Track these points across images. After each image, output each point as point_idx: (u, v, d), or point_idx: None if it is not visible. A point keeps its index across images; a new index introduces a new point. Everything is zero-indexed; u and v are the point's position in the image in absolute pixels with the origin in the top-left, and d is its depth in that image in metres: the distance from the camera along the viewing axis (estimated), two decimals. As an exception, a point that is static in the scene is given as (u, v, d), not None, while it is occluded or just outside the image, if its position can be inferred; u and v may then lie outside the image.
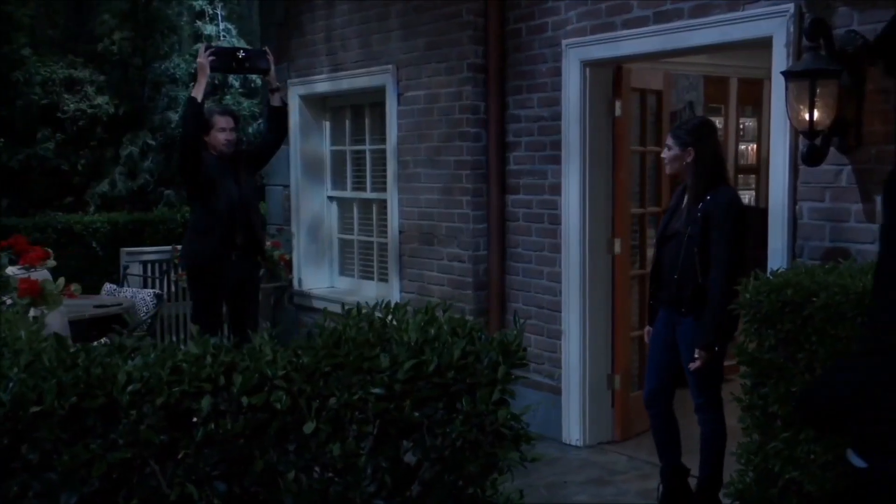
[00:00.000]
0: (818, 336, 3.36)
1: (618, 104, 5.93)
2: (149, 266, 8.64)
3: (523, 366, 2.69)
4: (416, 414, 2.45)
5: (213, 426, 2.22)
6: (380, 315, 2.66)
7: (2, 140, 11.01)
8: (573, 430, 6.02)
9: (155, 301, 6.75)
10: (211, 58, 5.77)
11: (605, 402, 6.05)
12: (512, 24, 6.25)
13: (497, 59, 6.28)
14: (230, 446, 2.25)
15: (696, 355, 4.41)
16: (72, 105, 11.82)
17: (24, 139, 10.87)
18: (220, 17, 12.70)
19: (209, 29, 12.77)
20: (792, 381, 3.45)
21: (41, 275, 5.23)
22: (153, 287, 7.78)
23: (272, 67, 6.03)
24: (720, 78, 8.85)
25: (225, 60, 5.86)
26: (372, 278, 7.82)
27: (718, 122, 9.52)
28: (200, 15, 12.81)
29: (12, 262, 7.50)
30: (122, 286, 7.48)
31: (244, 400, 2.24)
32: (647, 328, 4.92)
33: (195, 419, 2.23)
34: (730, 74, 8.73)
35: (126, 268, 8.32)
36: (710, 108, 9.47)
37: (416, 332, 2.51)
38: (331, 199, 8.21)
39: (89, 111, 11.85)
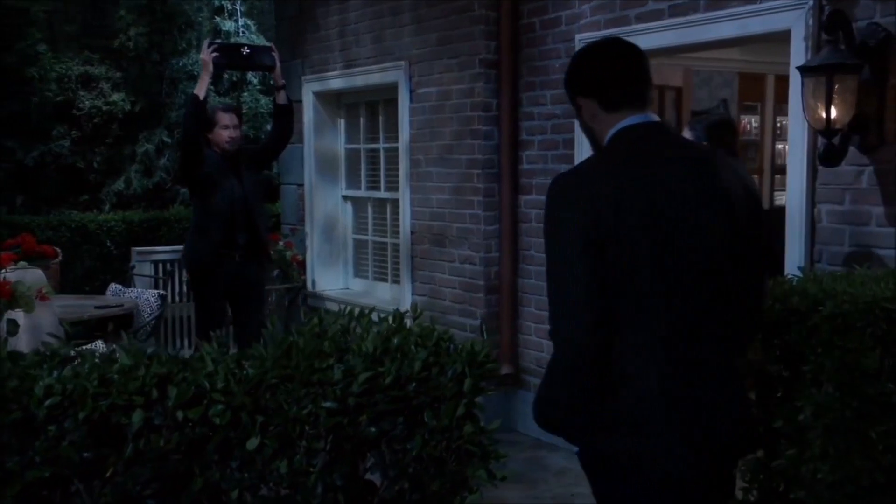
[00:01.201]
0: (824, 348, 3.13)
1: (633, 101, 5.71)
2: (160, 266, 8.52)
3: (493, 378, 2.50)
4: (373, 429, 2.27)
5: (144, 442, 2.06)
6: (342, 323, 2.49)
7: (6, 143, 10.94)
8: (584, 439, 5.80)
9: (159, 302, 6.62)
10: (214, 54, 5.62)
11: (618, 410, 5.82)
12: (525, 18, 6.05)
13: (510, 54, 6.08)
14: (164, 463, 2.08)
15: None
16: (87, 102, 11.75)
17: (39, 136, 10.81)
18: (238, 13, 12.60)
19: (227, 25, 12.67)
20: (798, 396, 3.23)
21: (34, 275, 5.10)
22: (162, 287, 7.65)
23: (277, 64, 5.87)
24: (756, 74, 8.58)
25: (229, 57, 5.71)
26: (386, 280, 7.65)
27: (754, 120, 9.26)
28: (219, 10, 12.71)
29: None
30: (130, 286, 7.36)
31: (179, 414, 2.08)
32: None
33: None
34: (766, 71, 8.45)
35: (132, 267, 8.20)
36: (745, 106, 9.24)
37: (375, 342, 2.33)
38: (345, 198, 8.04)
39: (105, 108, 11.77)
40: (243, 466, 2.16)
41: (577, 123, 5.65)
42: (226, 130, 5.81)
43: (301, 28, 8.02)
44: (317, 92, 7.86)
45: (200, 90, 5.60)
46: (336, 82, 7.61)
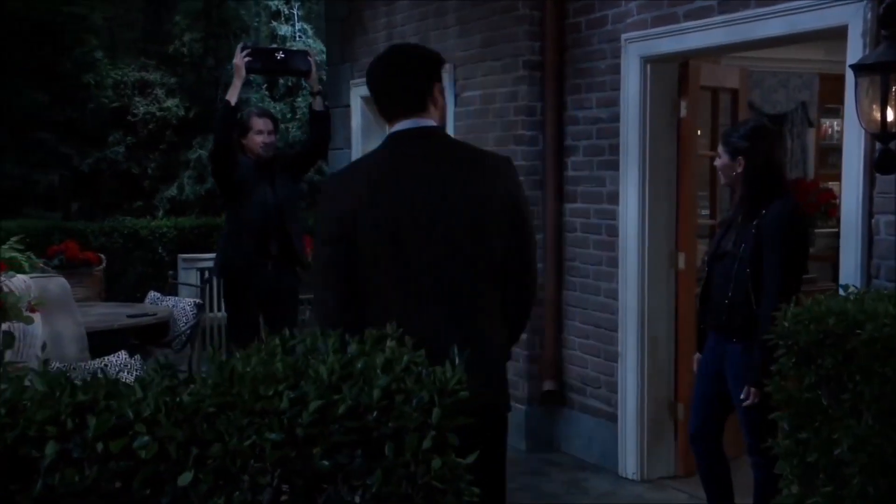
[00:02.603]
0: (863, 375, 2.82)
1: (683, 104, 5.40)
2: (205, 273, 8.40)
3: (468, 407, 2.24)
4: (326, 462, 2.04)
5: (59, 477, 1.85)
6: (308, 343, 2.26)
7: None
8: (629, 462, 5.49)
9: (195, 311, 6.48)
10: (247, 59, 5.45)
11: (666, 432, 5.50)
12: (571, 17, 5.77)
13: (554, 55, 5.81)
14: (82, 501, 1.87)
15: (743, 395, 3.89)
16: (142, 108, 11.74)
17: (95, 142, 10.84)
18: (296, 17, 12.48)
19: (284, 29, 12.56)
20: (835, 427, 2.91)
21: (57, 283, 4.98)
22: (201, 296, 7.52)
23: (313, 69, 5.66)
24: (838, 76, 8.15)
25: (263, 61, 5.52)
26: (433, 290, 7.41)
27: (836, 123, 8.82)
28: (276, 15, 12.61)
29: (63, 267, 7.39)
30: (168, 294, 7.25)
31: (99, 446, 1.87)
32: (697, 355, 4.39)
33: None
34: (850, 72, 8.05)
35: (171, 274, 8.10)
36: (826, 109, 8.84)
37: (333, 367, 2.10)
38: (394, 205, 7.83)
39: (159, 114, 11.75)
40: (175, 503, 1.95)
41: (620, 128, 5.39)
42: (260, 136, 5.63)
43: (349, 31, 7.85)
44: (364, 96, 7.67)
45: (232, 96, 5.44)
46: (383, 86, 7.40)
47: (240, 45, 5.52)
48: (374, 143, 7.65)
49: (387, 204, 2.68)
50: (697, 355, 4.37)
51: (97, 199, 11.35)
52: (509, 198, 2.79)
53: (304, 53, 5.71)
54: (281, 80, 12.27)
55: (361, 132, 7.75)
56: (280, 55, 5.55)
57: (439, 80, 2.88)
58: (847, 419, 2.90)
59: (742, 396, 3.89)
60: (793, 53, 7.40)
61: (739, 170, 4.06)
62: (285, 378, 2.08)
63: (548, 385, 5.95)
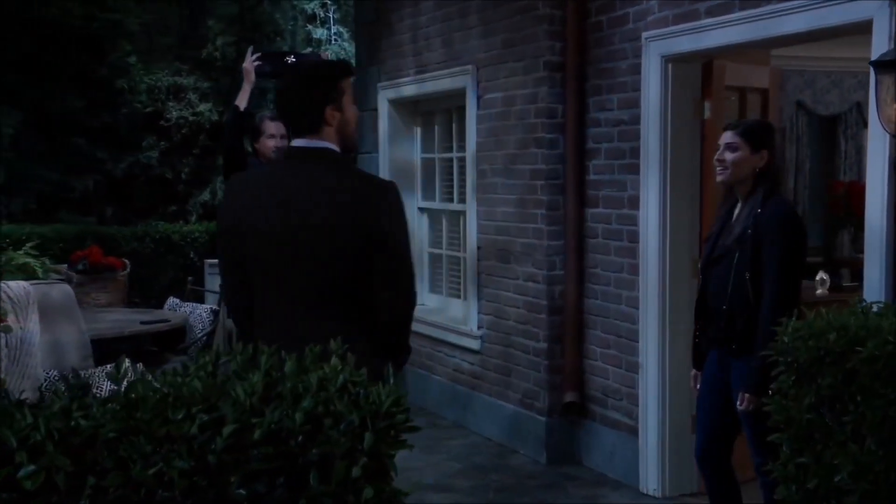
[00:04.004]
0: (864, 396, 2.59)
1: (707, 105, 5.17)
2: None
3: (410, 431, 2.07)
4: (242, 492, 1.88)
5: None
6: (241, 360, 2.12)
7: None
8: (650, 477, 5.27)
9: (212, 317, 6.38)
10: (257, 63, 5.34)
11: (688, 447, 5.24)
12: (593, 16, 5.57)
13: (575, 55, 5.61)
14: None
15: (738, 400, 3.66)
16: (175, 112, 11.72)
17: (128, 147, 10.84)
18: (331, 21, 12.36)
19: (319, 33, 12.44)
20: (837, 451, 2.69)
21: (60, 290, 4.91)
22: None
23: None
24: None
25: (273, 65, 5.39)
26: (459, 296, 7.24)
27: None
28: (312, 18, 12.51)
29: (86, 272, 7.36)
30: (188, 299, 7.17)
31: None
32: (694, 372, 4.16)
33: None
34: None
35: (191, 280, 8.02)
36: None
37: (255, 387, 1.95)
38: (421, 210, 7.68)
39: (192, 118, 11.71)
40: (73, 535, 1.80)
41: (641, 130, 5.18)
42: (272, 140, 5.50)
43: (377, 34, 7.72)
44: (391, 99, 7.54)
45: (241, 100, 5.32)
46: (409, 89, 7.27)
47: (249, 49, 5.41)
48: (402, 147, 7.60)
49: (256, 215, 2.95)
50: (694, 372, 4.15)
51: (131, 203, 11.35)
52: (367, 227, 2.91)
53: (317, 57, 5.58)
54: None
55: (388, 136, 7.60)
56: (290, 59, 5.41)
57: (335, 99, 2.99)
58: (850, 443, 2.68)
59: (738, 403, 3.67)
60: (846, 52, 7.09)
61: (762, 164, 3.83)
62: (204, 399, 1.94)
63: (569, 396, 5.74)
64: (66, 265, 7.54)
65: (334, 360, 2.17)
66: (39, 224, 9.27)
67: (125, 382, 1.92)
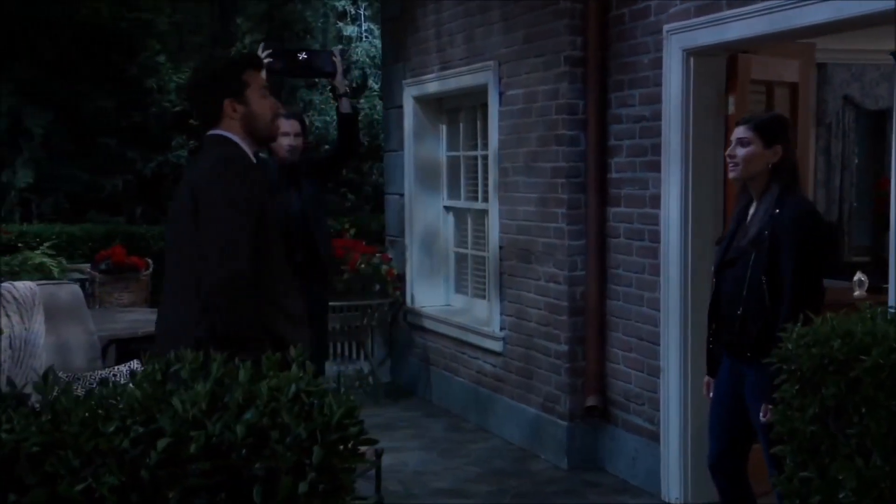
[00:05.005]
0: (868, 407, 2.42)
1: (731, 100, 4.99)
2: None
3: (367, 444, 1.95)
4: (181, 509, 1.78)
5: None
6: (187, 369, 2.01)
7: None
8: (672, 485, 5.10)
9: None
10: (268, 60, 5.24)
11: (711, 453, 5.08)
12: (615, 9, 5.41)
13: (597, 50, 5.46)
14: None
15: (761, 412, 3.49)
16: (202, 111, 11.62)
17: (157, 147, 10.82)
18: (362, 18, 12.26)
19: (350, 30, 12.35)
20: (841, 465, 2.52)
21: (68, 290, 4.85)
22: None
23: (339, 70, 5.42)
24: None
25: (285, 62, 5.27)
26: (484, 297, 7.11)
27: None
28: (343, 15, 12.41)
29: (109, 272, 7.33)
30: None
31: None
32: (707, 379, 3.99)
33: None
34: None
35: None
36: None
37: (196, 398, 1.84)
38: (447, 209, 7.56)
39: (219, 117, 11.63)
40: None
41: (662, 126, 5.02)
42: (286, 138, 5.42)
43: (402, 30, 7.61)
44: (416, 97, 7.43)
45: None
46: (432, 86, 7.15)
47: (261, 46, 5.32)
48: (427, 145, 7.49)
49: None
50: (707, 379, 3.98)
51: (160, 203, 11.33)
52: (190, 190, 2.98)
53: (329, 54, 5.47)
54: (345, 81, 12.06)
55: (414, 133, 7.49)
56: (303, 56, 5.31)
57: (236, 92, 3.06)
58: (855, 457, 2.51)
59: (761, 415, 3.50)
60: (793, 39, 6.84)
61: (776, 159, 3.66)
62: (144, 410, 1.84)
63: (591, 400, 5.59)
64: (89, 265, 7.53)
65: (294, 368, 2.06)
66: (69, 224, 9.28)
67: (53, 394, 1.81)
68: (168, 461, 1.76)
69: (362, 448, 4.37)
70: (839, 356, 2.48)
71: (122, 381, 1.99)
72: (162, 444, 1.75)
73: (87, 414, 1.76)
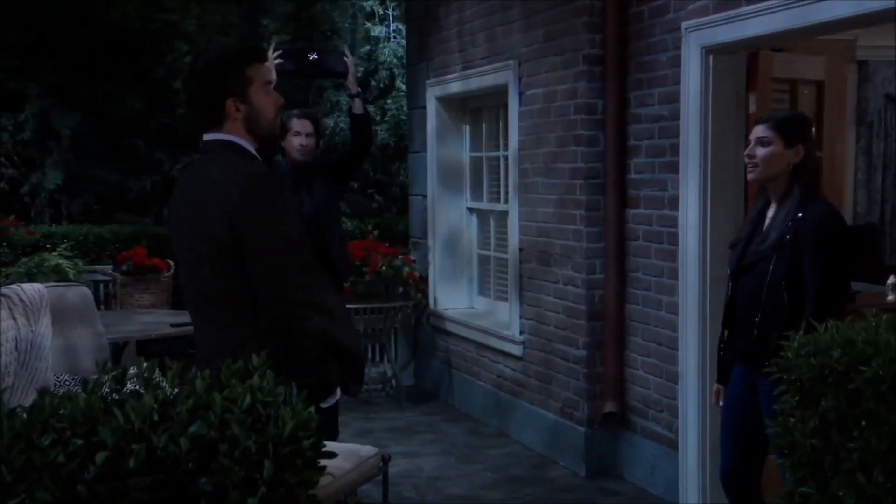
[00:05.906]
0: (869, 421, 2.30)
1: (752, 98, 4.84)
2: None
3: (325, 457, 1.86)
4: (121, 527, 1.70)
5: None
6: (142, 377, 1.94)
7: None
8: (690, 493, 4.97)
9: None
10: (278, 60, 5.17)
11: (731, 462, 4.94)
12: (634, 7, 5.29)
13: (615, 48, 5.34)
14: None
15: None
16: (228, 112, 11.61)
17: (184, 148, 10.80)
18: (390, 18, 12.18)
19: (377, 30, 12.28)
20: (842, 481, 2.40)
21: (77, 292, 4.81)
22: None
23: (351, 70, 5.33)
24: None
25: (295, 62, 5.19)
26: (506, 300, 6.99)
27: None
28: (371, 16, 12.34)
29: (130, 273, 7.32)
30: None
31: None
32: (717, 387, 3.85)
33: None
34: None
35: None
36: None
37: (144, 408, 1.76)
38: (470, 210, 7.46)
39: (247, 118, 11.62)
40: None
41: (680, 126, 4.89)
42: (297, 138, 5.35)
43: (426, 30, 7.52)
44: (439, 97, 7.34)
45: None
46: (455, 86, 7.06)
47: (272, 46, 5.25)
48: (450, 146, 7.40)
49: (172, 215, 2.96)
50: (717, 387, 3.84)
51: (187, 204, 11.33)
52: (228, 220, 2.71)
53: (341, 54, 5.38)
54: (372, 82, 12.03)
55: (437, 134, 7.41)
56: (313, 56, 5.23)
57: (238, 90, 2.80)
58: (857, 473, 2.38)
59: None
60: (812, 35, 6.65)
61: (797, 160, 3.52)
62: (86, 422, 1.76)
63: (609, 406, 5.47)
64: (111, 266, 7.53)
65: (256, 377, 1.98)
66: (97, 225, 9.30)
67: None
68: (108, 475, 1.68)
69: (364, 454, 4.26)
70: (838, 367, 2.36)
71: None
72: (100, 457, 1.67)
73: (20, 426, 1.68)
